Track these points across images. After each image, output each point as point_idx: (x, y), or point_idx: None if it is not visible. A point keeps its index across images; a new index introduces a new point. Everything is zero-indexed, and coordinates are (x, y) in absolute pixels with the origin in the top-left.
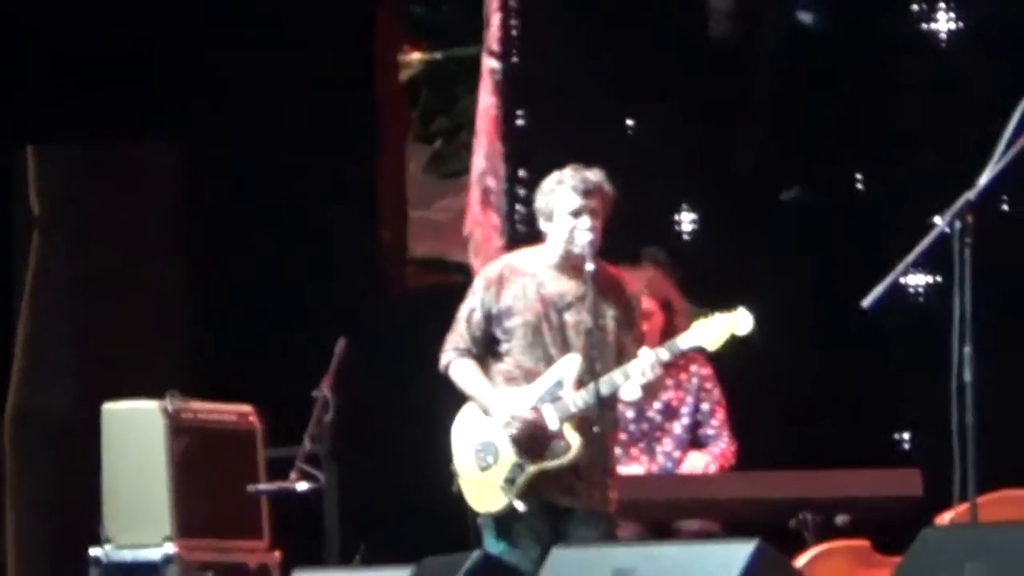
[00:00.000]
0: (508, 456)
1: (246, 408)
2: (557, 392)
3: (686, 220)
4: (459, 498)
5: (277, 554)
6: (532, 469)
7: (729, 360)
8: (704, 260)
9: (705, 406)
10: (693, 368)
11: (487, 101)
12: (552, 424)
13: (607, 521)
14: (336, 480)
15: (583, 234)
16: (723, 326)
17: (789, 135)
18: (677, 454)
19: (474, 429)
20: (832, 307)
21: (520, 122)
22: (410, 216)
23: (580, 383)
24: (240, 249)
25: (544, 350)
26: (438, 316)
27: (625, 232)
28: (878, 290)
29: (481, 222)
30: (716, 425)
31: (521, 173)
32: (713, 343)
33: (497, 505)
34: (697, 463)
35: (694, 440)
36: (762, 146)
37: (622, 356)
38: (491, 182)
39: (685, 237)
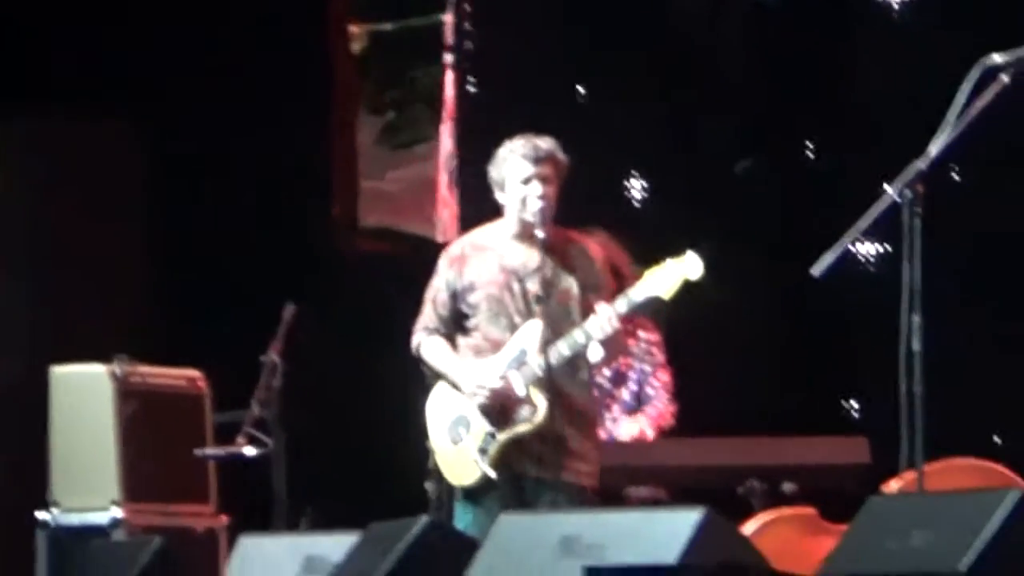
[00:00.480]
0: (479, 427)
1: (194, 373)
2: (523, 359)
3: (636, 188)
4: (421, 469)
5: (224, 519)
6: (502, 437)
7: (679, 323)
8: (654, 228)
9: (647, 367)
10: (641, 334)
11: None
12: (519, 390)
13: (579, 493)
14: (284, 445)
15: (534, 201)
16: (675, 272)
17: (745, 105)
18: (623, 418)
19: (447, 405)
20: (782, 275)
21: (472, 89)
22: (361, 187)
23: (544, 347)
24: (191, 216)
25: (509, 320)
26: (387, 283)
27: (575, 200)
28: (828, 258)
29: (449, 203)
30: (656, 386)
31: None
32: (667, 290)
33: (472, 477)
34: (629, 430)
35: (640, 405)
36: (707, 115)
37: (587, 317)
38: (455, 164)
39: (636, 205)
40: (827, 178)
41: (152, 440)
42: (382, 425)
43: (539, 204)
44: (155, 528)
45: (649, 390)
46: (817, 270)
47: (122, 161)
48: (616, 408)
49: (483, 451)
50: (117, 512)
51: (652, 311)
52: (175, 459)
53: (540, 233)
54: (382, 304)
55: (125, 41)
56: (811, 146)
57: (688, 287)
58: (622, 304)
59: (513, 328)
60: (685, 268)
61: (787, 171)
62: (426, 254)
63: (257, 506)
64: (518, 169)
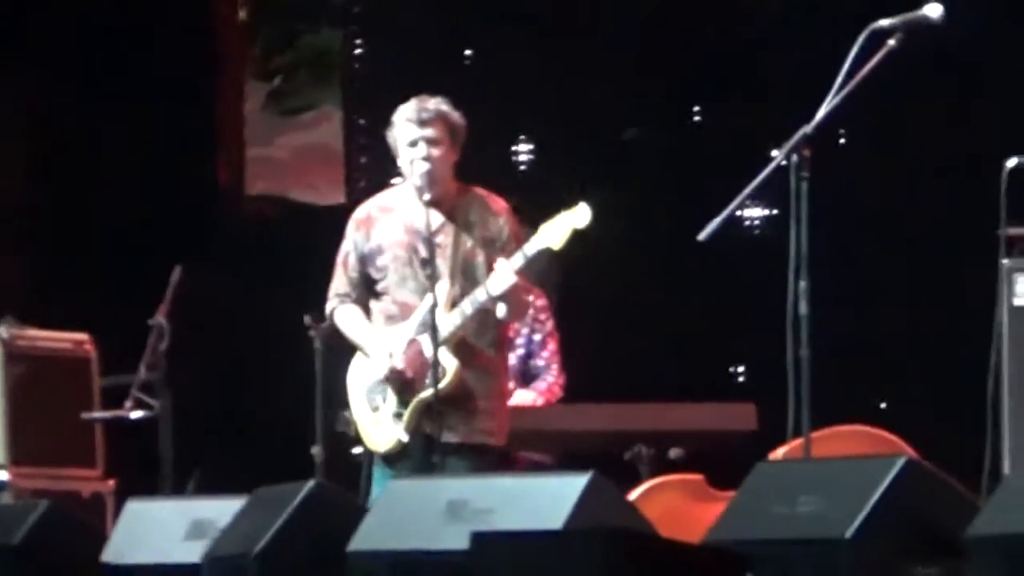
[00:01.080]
0: (393, 393)
1: (82, 336)
2: (431, 321)
3: (524, 151)
4: (309, 434)
5: (111, 483)
6: (415, 401)
7: (567, 288)
8: (542, 191)
9: (537, 336)
10: (529, 299)
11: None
12: (428, 351)
13: (491, 453)
14: (171, 409)
15: (419, 164)
16: (564, 222)
17: (630, 68)
18: (511, 384)
19: (364, 373)
20: (669, 239)
21: (358, 51)
22: (248, 153)
23: (452, 307)
24: (77, 178)
25: (418, 283)
26: (274, 247)
27: (462, 163)
28: (715, 222)
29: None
30: (546, 356)
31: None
32: (558, 240)
33: (389, 443)
34: (524, 400)
35: (526, 371)
36: (592, 79)
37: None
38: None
39: (523, 168)
40: (715, 141)
41: (39, 404)
42: (270, 389)
43: (423, 167)
44: (42, 492)
45: (539, 361)
46: (703, 234)
47: (4, 123)
48: None
49: (398, 416)
50: (3, 475)
51: (541, 277)
52: (62, 423)
53: (427, 195)
54: (269, 268)
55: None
56: (698, 109)
57: (579, 239)
58: (518, 258)
59: (422, 290)
60: (574, 217)
61: (674, 135)
62: (314, 220)
63: (144, 470)
64: (405, 132)
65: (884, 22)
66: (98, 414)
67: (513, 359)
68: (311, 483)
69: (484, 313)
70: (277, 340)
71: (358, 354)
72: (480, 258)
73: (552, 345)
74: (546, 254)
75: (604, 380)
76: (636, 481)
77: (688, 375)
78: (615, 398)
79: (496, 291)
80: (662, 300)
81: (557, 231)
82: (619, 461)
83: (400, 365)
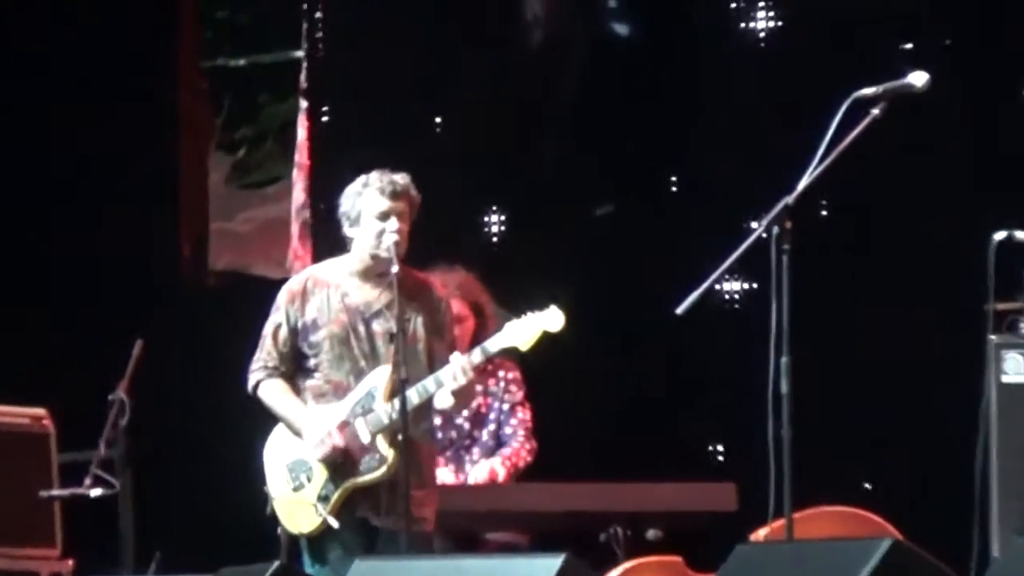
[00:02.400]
0: (321, 474)
1: (40, 411)
2: (369, 404)
3: (495, 221)
4: (273, 520)
5: (70, 562)
6: (345, 485)
7: (540, 365)
8: (513, 262)
9: (506, 406)
10: (501, 373)
11: (302, 137)
12: (364, 438)
13: (421, 541)
14: (131, 486)
15: (390, 236)
16: (534, 324)
17: (600, 138)
18: (481, 458)
19: (286, 449)
20: (645, 313)
21: (325, 119)
22: (212, 227)
23: (391, 394)
24: (36, 249)
25: (353, 363)
26: (237, 322)
27: (433, 232)
28: (692, 295)
29: (301, 256)
30: (514, 424)
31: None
32: (525, 342)
33: (311, 524)
34: (480, 473)
35: (498, 444)
36: (565, 150)
37: (434, 363)
38: (308, 214)
39: (494, 239)
40: (689, 213)
41: None
42: (233, 466)
43: (395, 239)
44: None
45: (507, 429)
46: (681, 308)
47: None
48: (476, 451)
49: (324, 498)
50: None
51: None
52: (20, 500)
53: (395, 268)
54: (232, 341)
55: None
56: (673, 180)
57: (547, 335)
58: (477, 355)
59: (357, 371)
60: (545, 321)
61: (648, 208)
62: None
63: (104, 549)
64: (374, 203)
65: (867, 91)
66: (57, 492)
67: (485, 435)
68: (276, 564)
69: (423, 403)
70: (239, 416)
71: (277, 430)
72: (422, 345)
73: (522, 413)
74: (509, 352)
75: (578, 459)
76: (612, 563)
77: (666, 453)
78: (589, 477)
79: (450, 385)
80: (639, 376)
81: (525, 332)
82: (594, 542)
83: (341, 445)
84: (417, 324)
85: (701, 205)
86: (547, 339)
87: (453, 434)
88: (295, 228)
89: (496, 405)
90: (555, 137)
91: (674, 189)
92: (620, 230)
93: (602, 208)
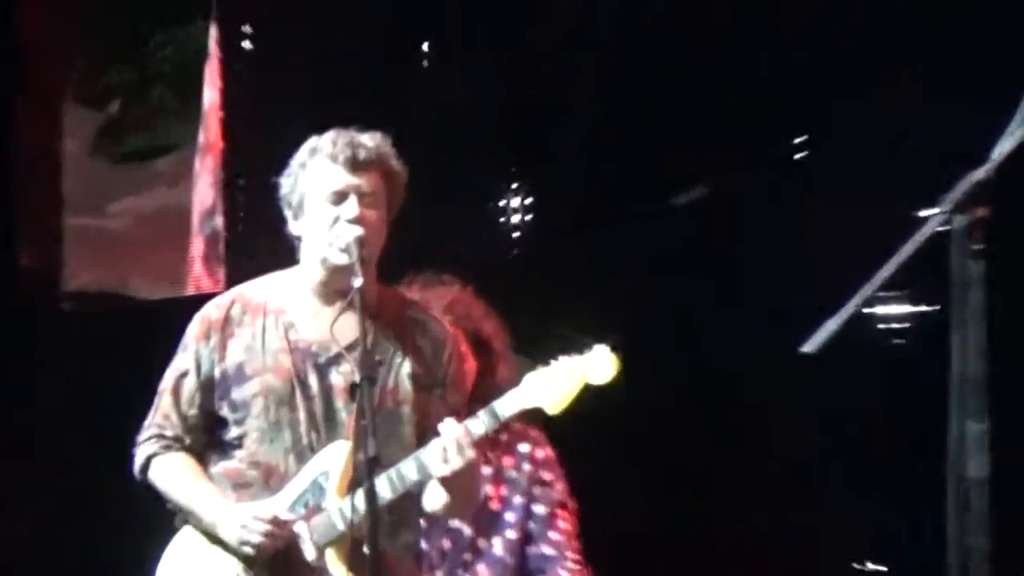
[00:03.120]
0: None
1: None
2: (318, 500)
3: (515, 211)
4: None
5: None
6: None
7: (570, 431)
8: (538, 274)
9: (540, 509)
10: (522, 448)
11: (212, 98)
12: (308, 552)
13: None
14: None
15: (347, 229)
16: (571, 374)
17: (669, 91)
18: None
19: (198, 560)
20: (743, 354)
21: (248, 50)
22: (68, 224)
23: (352, 484)
24: None
25: (295, 434)
26: (108, 371)
27: (425, 231)
28: (828, 326)
29: (209, 287)
30: (556, 541)
31: (241, 182)
32: (556, 402)
33: None
34: None
35: (522, 564)
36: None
37: (426, 433)
38: (221, 222)
39: (512, 237)
40: (815, 195)
41: None
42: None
43: (355, 233)
44: None
45: (544, 548)
46: (811, 345)
47: None
48: (483, 570)
49: None
50: None
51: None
52: None
53: (356, 281)
54: (101, 399)
55: None
56: (793, 142)
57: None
58: (479, 423)
59: (300, 451)
60: (589, 367)
61: (750, 192)
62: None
63: None
64: (325, 179)
65: None
66: None
67: (499, 547)
68: None
69: (406, 500)
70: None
71: (180, 536)
72: (407, 408)
73: (565, 522)
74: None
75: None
76: None
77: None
78: None
79: (439, 471)
80: (731, 452)
81: (559, 386)
82: None
83: (283, 534)
84: (400, 374)
85: (834, 182)
86: (590, 394)
87: (447, 544)
88: (197, 244)
89: (518, 501)
90: (604, 90)
91: (794, 157)
92: (700, 227)
93: (691, 192)
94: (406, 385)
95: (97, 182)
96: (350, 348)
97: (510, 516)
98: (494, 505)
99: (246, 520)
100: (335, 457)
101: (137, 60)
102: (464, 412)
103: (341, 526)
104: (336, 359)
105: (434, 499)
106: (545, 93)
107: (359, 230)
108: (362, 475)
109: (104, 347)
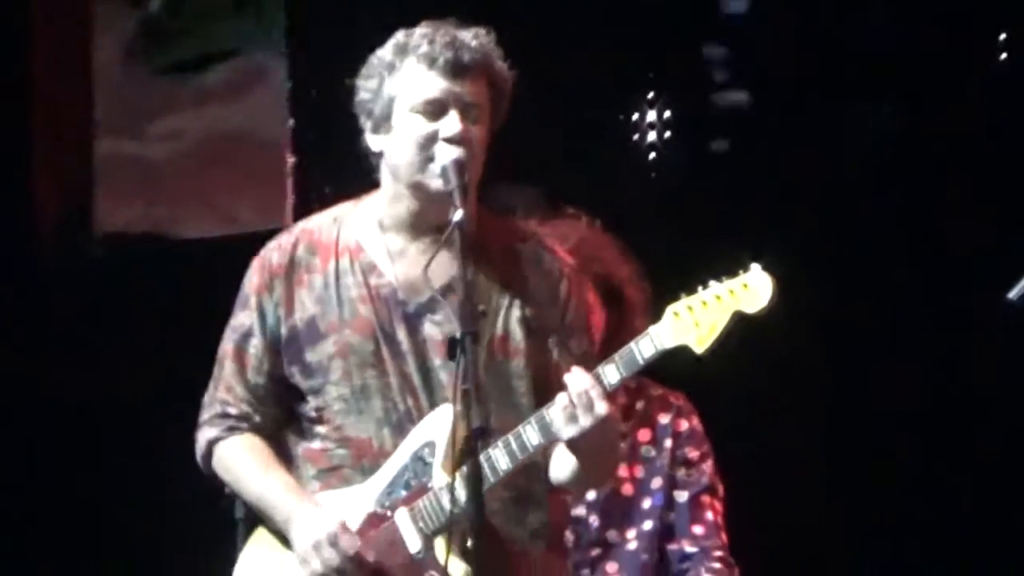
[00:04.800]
0: None
1: None
2: (422, 481)
3: (652, 121)
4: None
5: None
6: None
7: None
8: (680, 207)
9: (683, 495)
10: (662, 419)
11: None
12: (411, 545)
13: None
14: None
15: (448, 150)
16: (721, 302)
17: None
18: None
19: (271, 567)
20: (925, 303)
21: None
22: (99, 151)
23: (462, 458)
24: None
25: (387, 402)
26: (147, 304)
27: (541, 145)
28: None
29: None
30: (701, 535)
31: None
32: (704, 336)
33: None
34: None
35: (661, 560)
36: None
37: (549, 391)
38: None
39: (648, 158)
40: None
41: None
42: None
43: (456, 154)
44: None
45: (686, 546)
46: (1014, 292)
47: None
48: (612, 567)
49: None
50: None
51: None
52: None
53: (456, 213)
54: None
55: None
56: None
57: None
58: (615, 369)
59: (395, 420)
60: (740, 293)
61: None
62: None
63: None
64: (419, 86)
65: None
66: None
67: (633, 539)
68: None
69: (531, 472)
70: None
71: (253, 541)
72: (520, 360)
73: (712, 512)
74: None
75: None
76: None
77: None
78: None
79: (567, 432)
80: (911, 424)
81: (702, 320)
82: None
83: (367, 557)
84: (510, 319)
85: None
86: (740, 328)
87: (568, 536)
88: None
89: (657, 484)
90: None
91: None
92: (884, 143)
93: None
94: (517, 333)
95: (136, 98)
96: (445, 291)
97: (646, 503)
98: (627, 489)
99: (319, 536)
100: (439, 425)
101: None
102: (593, 364)
103: (453, 510)
104: (429, 305)
105: (562, 468)
106: None
107: (460, 151)
108: (473, 447)
109: (147, 304)
